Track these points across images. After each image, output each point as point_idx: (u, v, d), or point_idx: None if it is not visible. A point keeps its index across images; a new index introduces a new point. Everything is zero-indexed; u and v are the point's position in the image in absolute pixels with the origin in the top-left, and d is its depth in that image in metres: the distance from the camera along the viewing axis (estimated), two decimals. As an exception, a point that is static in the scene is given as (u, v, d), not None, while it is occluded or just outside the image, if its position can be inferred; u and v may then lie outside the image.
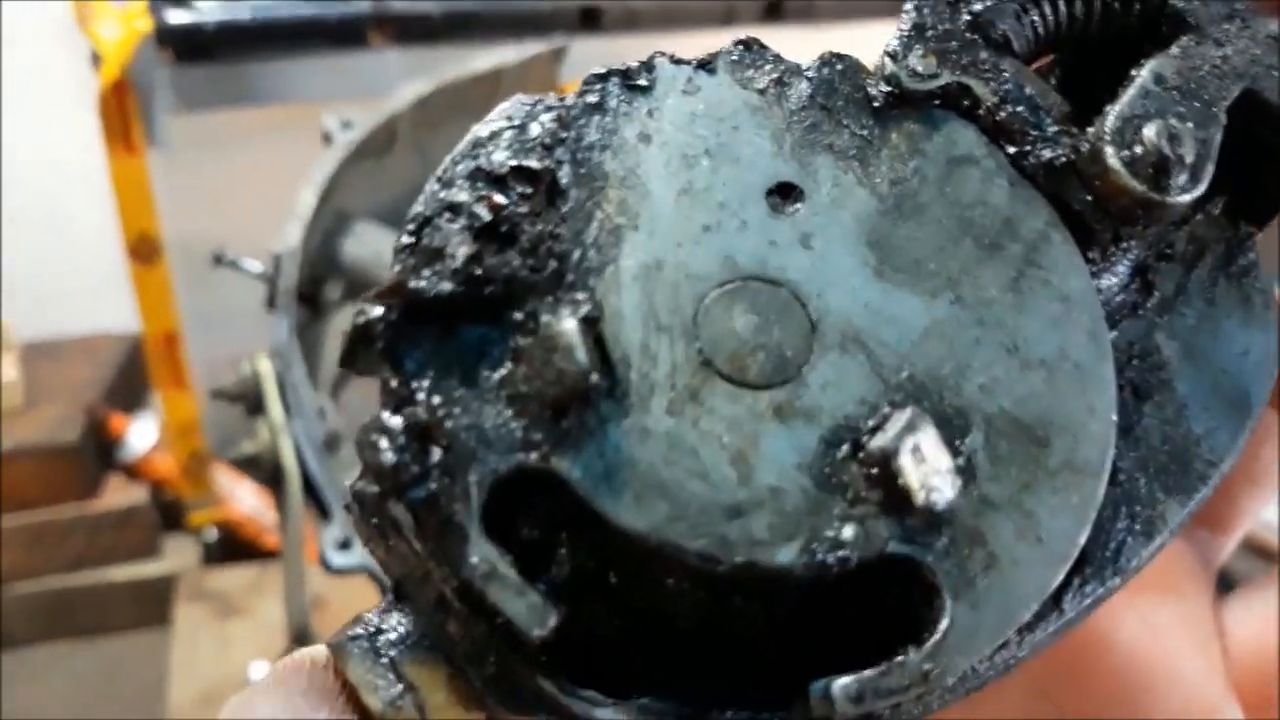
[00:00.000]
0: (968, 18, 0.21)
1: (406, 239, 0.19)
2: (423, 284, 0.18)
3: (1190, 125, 0.20)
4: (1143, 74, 0.20)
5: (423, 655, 0.19)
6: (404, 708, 0.18)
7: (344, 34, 1.67)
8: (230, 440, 1.25)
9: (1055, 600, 0.20)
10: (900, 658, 0.17)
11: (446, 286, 0.18)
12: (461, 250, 0.18)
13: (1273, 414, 0.28)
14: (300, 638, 0.97)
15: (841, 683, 0.17)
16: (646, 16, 1.76)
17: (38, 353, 2.15)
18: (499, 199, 0.19)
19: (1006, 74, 0.21)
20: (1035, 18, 0.21)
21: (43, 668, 2.02)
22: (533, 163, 0.19)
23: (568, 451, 0.18)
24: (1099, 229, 0.20)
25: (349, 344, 0.19)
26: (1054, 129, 0.20)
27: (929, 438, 0.18)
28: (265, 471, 0.95)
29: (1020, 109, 0.21)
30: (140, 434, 2.08)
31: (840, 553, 0.18)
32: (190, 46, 1.65)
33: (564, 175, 0.19)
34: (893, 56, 0.21)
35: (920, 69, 0.21)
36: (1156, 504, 0.21)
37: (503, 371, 0.18)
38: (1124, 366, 0.22)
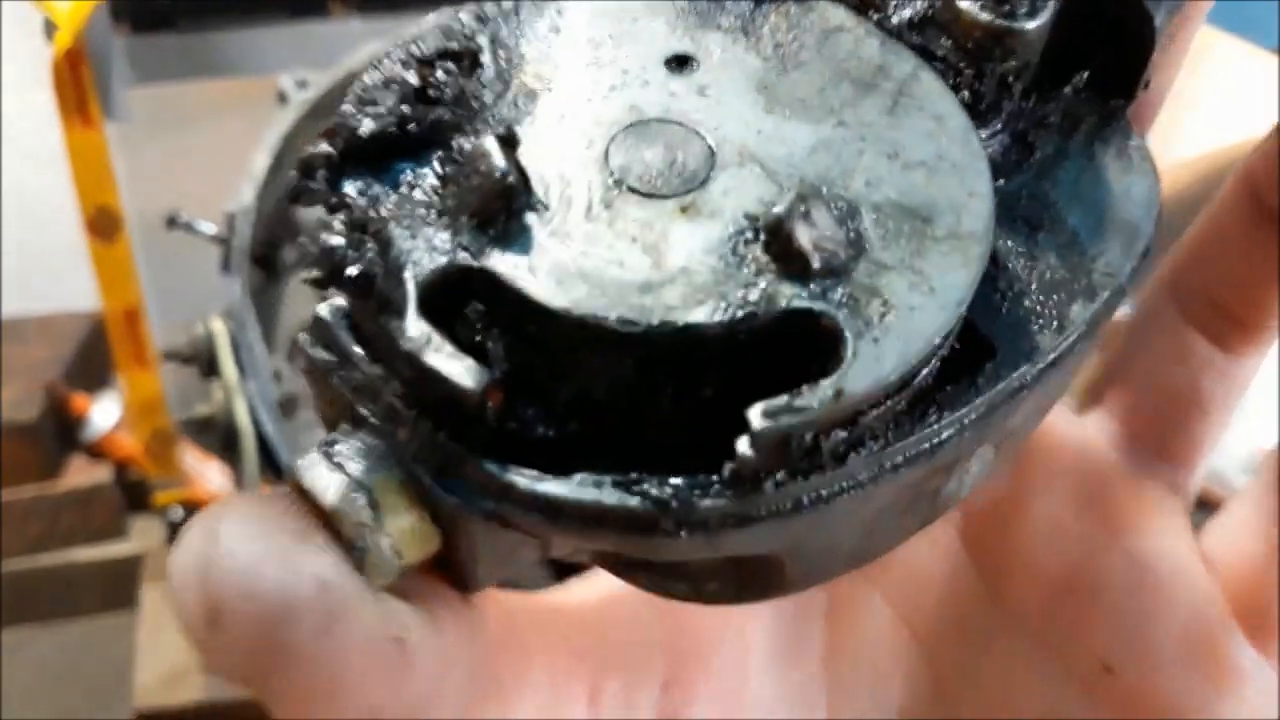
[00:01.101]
0: None
1: (346, 104, 0.21)
2: (357, 123, 0.21)
3: None
4: None
5: (374, 464, 0.20)
6: (358, 506, 0.20)
7: (304, 3, 1.65)
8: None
9: (973, 378, 0.22)
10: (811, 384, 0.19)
11: (378, 125, 0.21)
12: (391, 100, 0.21)
13: (1198, 338, 0.30)
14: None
15: (757, 407, 0.19)
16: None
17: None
18: (425, 71, 0.22)
19: None
20: None
21: (6, 652, 1.99)
22: (454, 45, 0.22)
23: (494, 251, 0.20)
24: (963, 68, 0.23)
25: (296, 178, 0.21)
26: None
27: (819, 209, 0.20)
28: (220, 434, 0.93)
29: None
30: (102, 413, 2.05)
31: (747, 309, 0.20)
32: (147, 16, 1.63)
33: (484, 54, 0.23)
34: None
35: None
36: (1062, 306, 0.23)
37: (431, 189, 0.21)
38: (1014, 207, 0.24)
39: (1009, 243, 0.24)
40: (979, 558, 0.31)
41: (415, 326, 0.19)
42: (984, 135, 0.24)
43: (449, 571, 0.21)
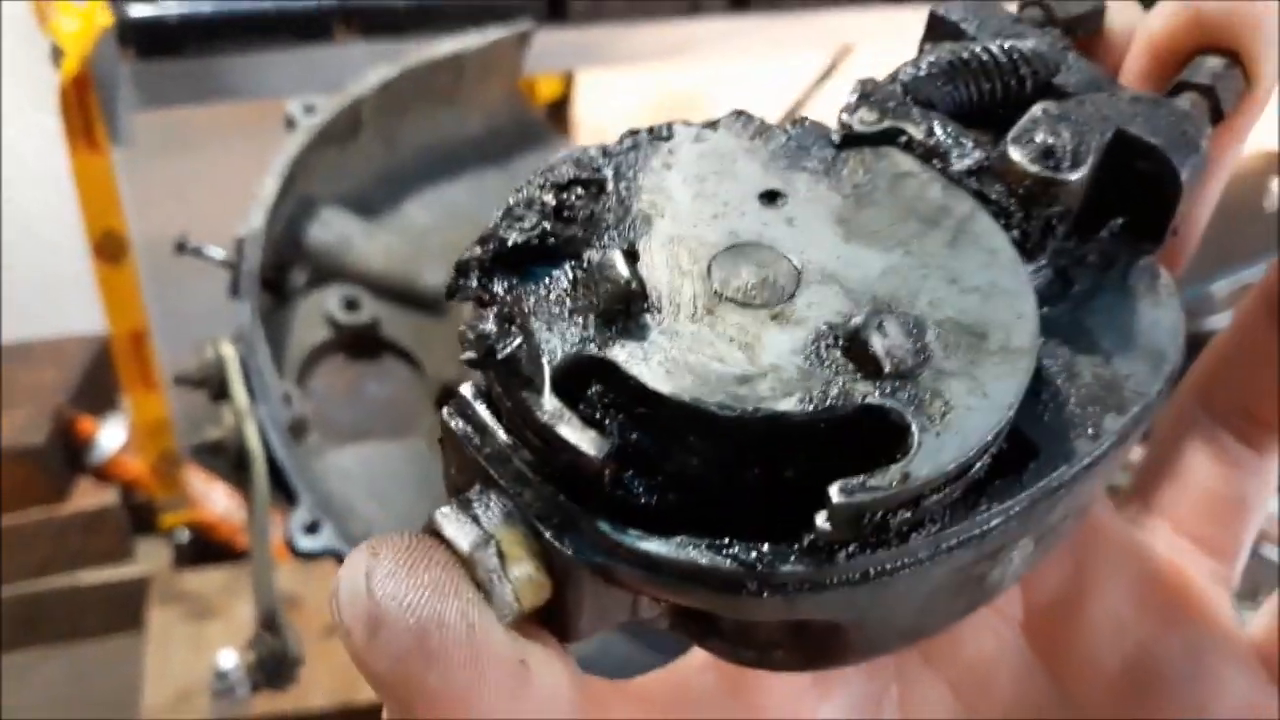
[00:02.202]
0: (899, 86, 0.29)
1: (496, 216, 0.25)
2: (506, 234, 0.25)
3: (1068, 134, 0.27)
4: (1034, 108, 0.28)
5: (502, 520, 0.23)
6: (488, 554, 0.23)
7: (309, 27, 1.66)
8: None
9: (1018, 475, 0.25)
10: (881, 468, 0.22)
11: (522, 237, 0.25)
12: (533, 218, 0.25)
13: (1232, 441, 0.33)
14: (269, 624, 0.96)
15: (836, 484, 0.22)
16: (613, 8, 1.76)
17: (3, 356, 2.12)
18: (561, 194, 0.26)
19: (933, 119, 0.28)
20: (956, 89, 0.29)
21: (14, 675, 1.99)
22: (584, 174, 0.26)
23: (615, 344, 0.23)
24: (1013, 211, 0.27)
25: (453, 276, 0.25)
26: (971, 148, 0.28)
27: (891, 321, 0.24)
28: (230, 457, 0.93)
29: (944, 138, 0.28)
30: (109, 435, 2.05)
31: (828, 402, 0.23)
32: (153, 41, 1.63)
33: (609, 182, 0.27)
34: (845, 112, 0.29)
35: (867, 118, 0.28)
36: (1097, 417, 0.26)
37: (564, 291, 0.24)
38: (1055, 331, 0.27)
39: (1051, 361, 0.27)
40: (1043, 652, 0.33)
41: (550, 402, 0.23)
42: (1030, 269, 0.27)
43: (553, 622, 0.24)
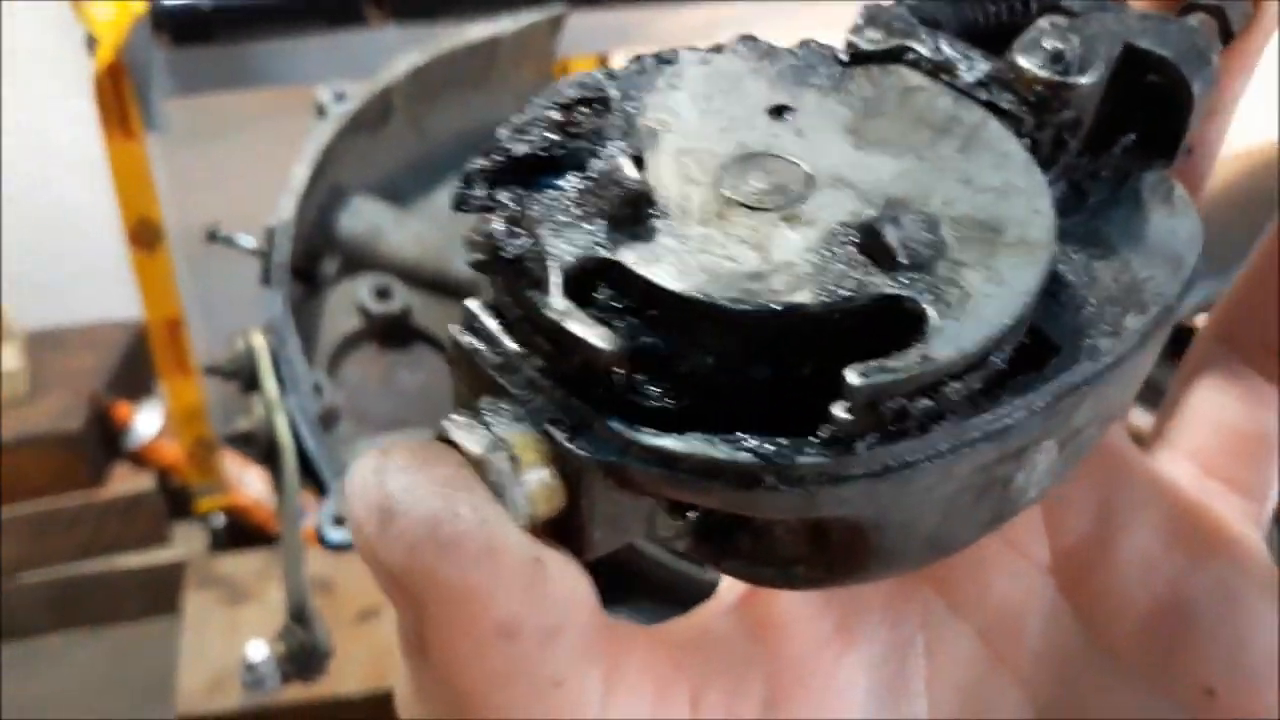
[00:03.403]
0: (905, 8, 0.29)
1: (501, 131, 0.25)
2: (512, 145, 0.25)
3: (1076, 40, 0.27)
4: (1040, 20, 0.27)
5: (514, 425, 0.23)
6: (500, 457, 0.22)
7: (342, 12, 1.65)
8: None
9: (1040, 371, 0.24)
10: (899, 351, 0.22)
11: (527, 148, 0.25)
12: (539, 128, 0.25)
13: (1256, 378, 0.32)
14: (299, 615, 0.95)
15: (853, 367, 0.21)
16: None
17: (41, 342, 2.14)
18: (567, 111, 0.25)
19: (940, 37, 0.28)
20: (961, 9, 0.29)
21: (51, 658, 2.01)
22: (589, 94, 0.26)
23: (623, 247, 0.23)
24: (1025, 118, 0.27)
25: (460, 187, 0.24)
26: (980, 61, 0.27)
27: (906, 216, 0.23)
28: (261, 448, 0.93)
29: (952, 54, 0.28)
30: (145, 421, 2.07)
31: (844, 292, 0.22)
32: (187, 28, 1.63)
33: (614, 100, 0.26)
34: (853, 33, 0.28)
35: (873, 37, 0.28)
36: (1117, 317, 0.26)
37: (571, 200, 0.24)
38: (1072, 237, 0.27)
39: (1068, 267, 0.26)
40: (1072, 594, 0.32)
41: (559, 300, 0.23)
42: (1046, 181, 0.26)
43: (567, 536, 0.24)
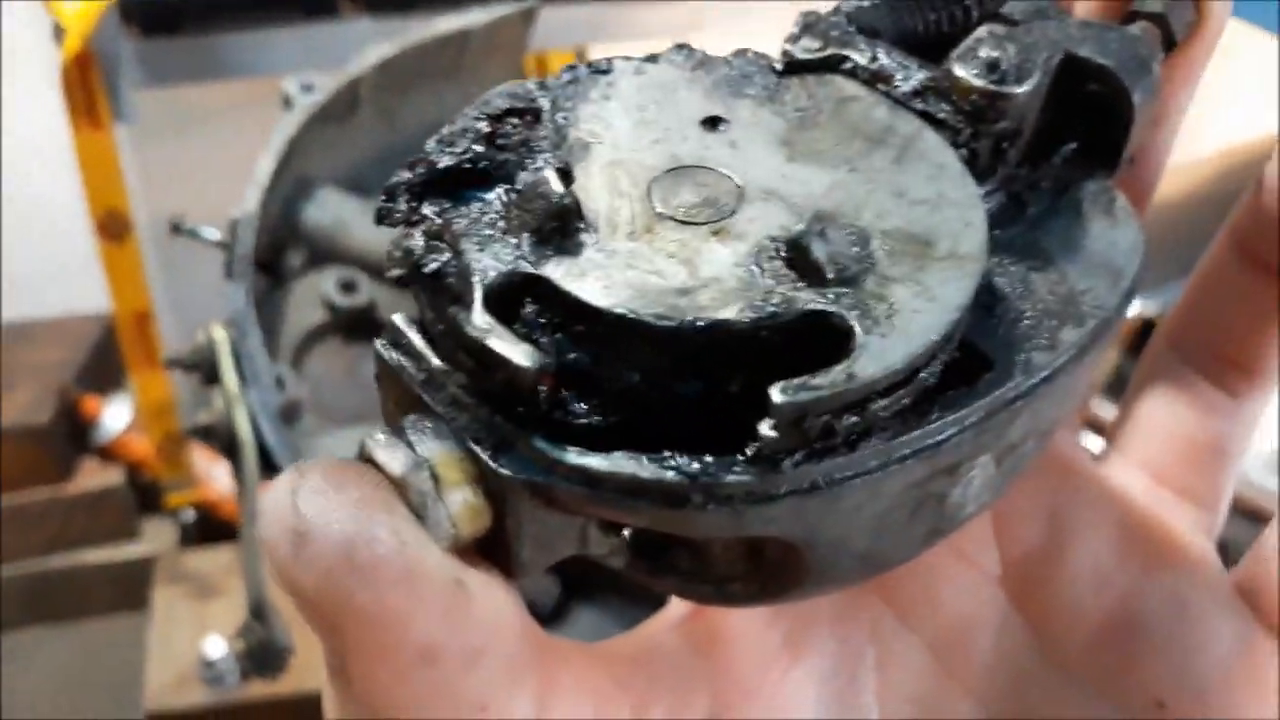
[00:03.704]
0: (843, 16, 0.28)
1: (428, 144, 0.25)
2: (437, 158, 0.24)
3: (1014, 49, 0.26)
4: (979, 29, 0.27)
5: (437, 444, 0.23)
6: (422, 477, 0.22)
7: (314, 4, 1.64)
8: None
9: (972, 385, 0.24)
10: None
11: (454, 160, 0.24)
12: (466, 140, 0.25)
13: (1206, 386, 0.32)
14: (258, 611, 0.94)
15: (777, 385, 0.21)
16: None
17: (10, 335, 2.12)
18: (495, 123, 0.25)
19: (877, 46, 0.28)
20: (900, 18, 0.29)
21: (18, 654, 1.99)
22: (520, 104, 0.26)
23: (549, 263, 0.23)
24: (961, 128, 0.26)
25: (382, 200, 0.24)
26: (916, 70, 0.27)
27: (833, 229, 0.23)
28: (222, 441, 0.92)
29: (889, 63, 0.27)
30: (114, 415, 2.05)
31: (770, 308, 0.22)
32: (156, 18, 1.62)
33: (545, 111, 0.26)
34: (789, 41, 0.28)
35: (810, 46, 0.28)
36: (1054, 331, 0.25)
37: (497, 214, 0.24)
38: (1009, 250, 0.27)
39: (1005, 279, 0.26)
40: (1023, 605, 0.32)
41: (481, 317, 0.22)
42: (981, 191, 0.26)
43: (496, 556, 0.23)
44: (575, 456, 0.22)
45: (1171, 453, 0.32)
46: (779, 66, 0.28)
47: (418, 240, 0.23)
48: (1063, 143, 0.28)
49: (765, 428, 0.21)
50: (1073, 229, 0.27)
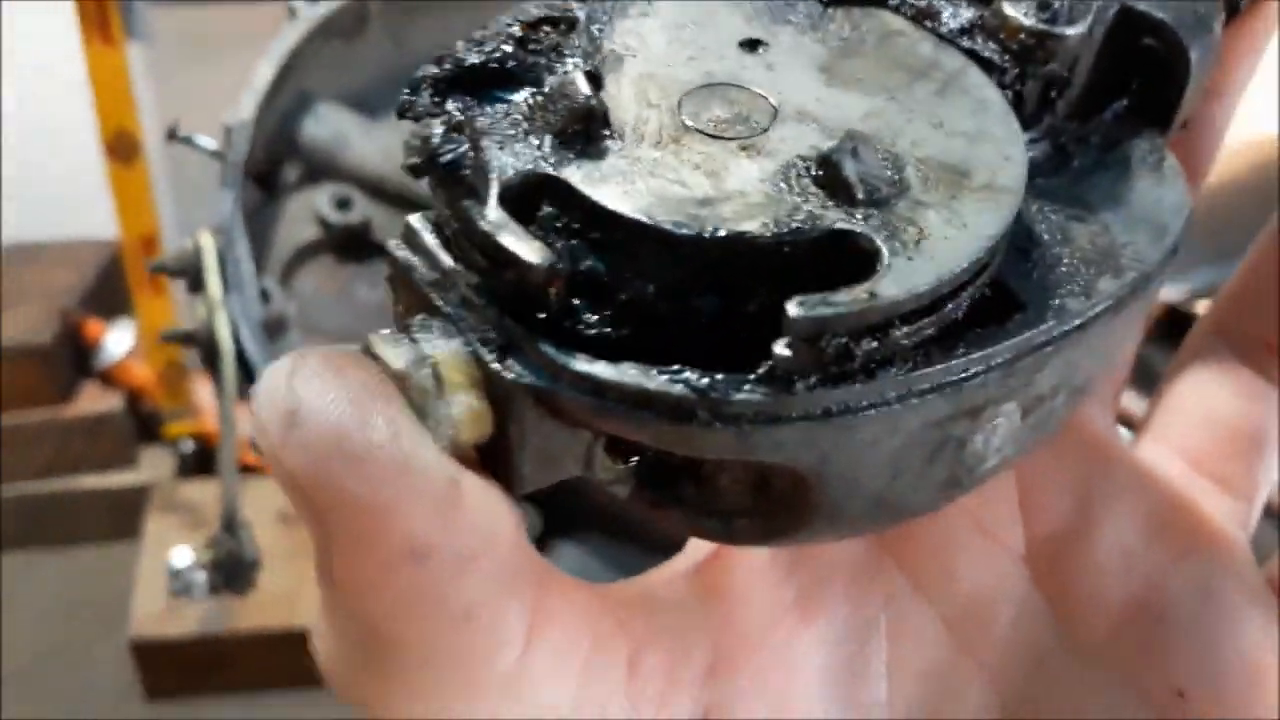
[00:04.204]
0: None
1: (458, 43, 0.24)
2: (465, 55, 0.24)
3: None
4: None
5: (444, 343, 0.22)
6: (424, 374, 0.21)
7: (333, -72, 1.60)
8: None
9: (1001, 325, 0.23)
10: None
11: (480, 58, 0.23)
12: (496, 41, 0.24)
13: (1252, 376, 0.31)
14: (229, 522, 0.93)
15: (795, 299, 0.20)
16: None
17: (15, 256, 2.10)
18: (528, 29, 0.24)
19: None
20: None
21: (8, 577, 1.99)
22: (555, 13, 0.25)
23: (570, 165, 0.22)
24: (1007, 68, 0.26)
25: (407, 93, 0.23)
26: (965, 8, 0.27)
27: (867, 150, 0.22)
28: (202, 349, 0.90)
29: (936, 1, 0.27)
30: (116, 340, 2.04)
31: (795, 224, 0.21)
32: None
33: (580, 21, 0.25)
34: None
35: None
36: (1090, 279, 0.24)
37: (522, 115, 0.23)
38: (1051, 197, 0.26)
39: (1044, 225, 0.25)
40: (1045, 585, 0.32)
41: (494, 212, 0.21)
42: (1026, 137, 0.25)
43: (496, 467, 0.23)
44: (582, 363, 0.21)
45: (1209, 439, 0.32)
46: None
47: (437, 129, 0.23)
48: (1115, 99, 0.28)
49: (780, 346, 0.20)
50: (1118, 184, 0.27)
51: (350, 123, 1.12)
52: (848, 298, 0.20)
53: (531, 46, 0.24)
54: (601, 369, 0.21)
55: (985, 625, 0.31)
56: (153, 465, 2.05)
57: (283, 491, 0.21)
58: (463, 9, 1.26)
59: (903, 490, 0.24)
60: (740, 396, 0.21)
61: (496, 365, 0.22)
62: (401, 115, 0.24)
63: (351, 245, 1.07)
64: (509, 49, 0.24)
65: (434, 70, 0.24)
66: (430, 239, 0.23)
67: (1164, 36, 0.27)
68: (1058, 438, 0.27)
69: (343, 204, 1.07)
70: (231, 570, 0.93)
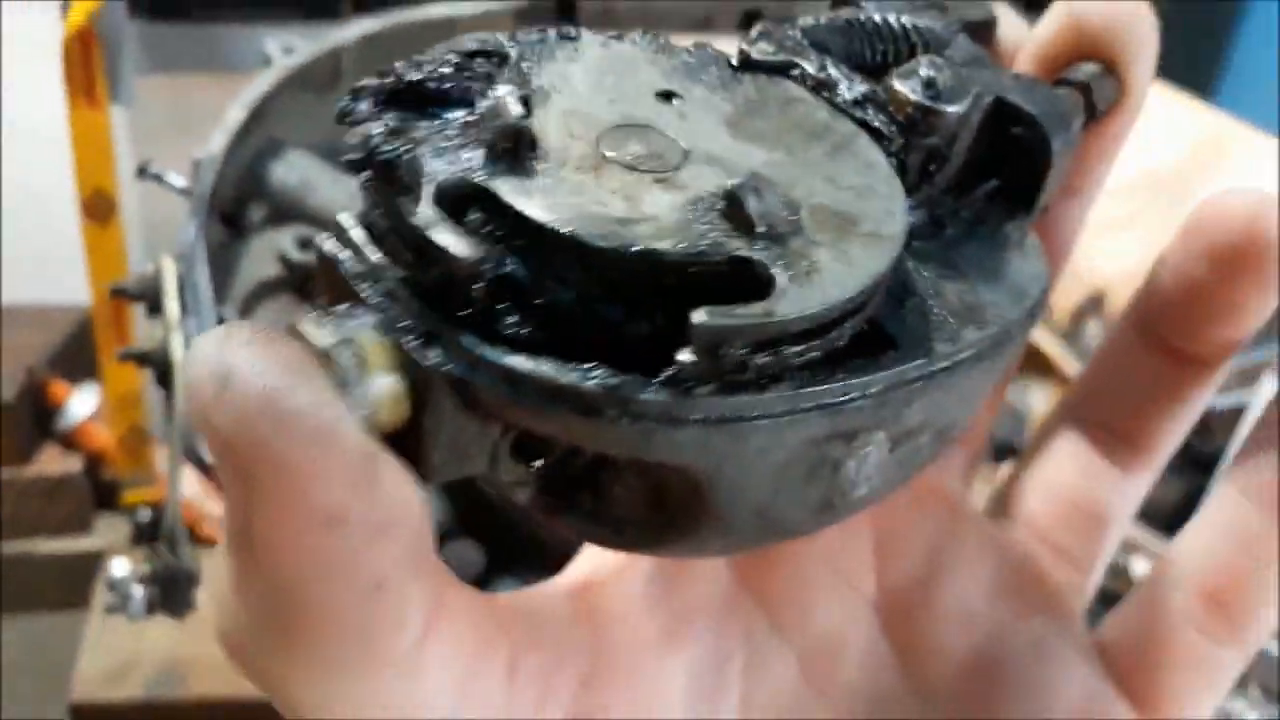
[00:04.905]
0: (799, 31, 0.31)
1: (397, 63, 0.26)
2: (404, 72, 0.25)
3: (950, 74, 0.29)
4: (920, 57, 0.30)
5: (367, 328, 0.23)
6: (346, 355, 0.22)
7: (316, 4, 1.66)
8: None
9: (875, 360, 0.25)
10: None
11: (419, 75, 0.25)
12: (435, 65, 0.26)
13: (1098, 458, 0.33)
14: (170, 540, 0.92)
15: (700, 310, 0.22)
16: (625, 16, 1.76)
17: (-12, 317, 2.11)
18: (465, 59, 0.26)
19: (826, 59, 0.30)
20: (850, 43, 0.31)
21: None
22: (490, 47, 0.27)
23: (500, 178, 0.24)
24: (894, 138, 0.29)
25: (347, 99, 0.25)
26: (859, 83, 0.29)
27: (768, 190, 0.25)
28: (155, 367, 0.91)
29: (834, 74, 0.30)
30: (80, 402, 2.03)
31: (701, 247, 0.23)
32: (163, 3, 1.64)
33: (511, 57, 0.27)
34: (746, 43, 0.30)
35: (765, 49, 0.30)
36: (957, 328, 0.27)
37: (456, 130, 0.25)
38: (923, 259, 0.29)
39: (918, 279, 0.28)
40: (893, 632, 0.34)
41: (428, 210, 0.23)
42: (906, 204, 0.28)
43: (408, 454, 0.23)
44: (500, 355, 0.23)
45: (1052, 513, 0.34)
46: (735, 63, 0.30)
47: (377, 130, 0.24)
48: (986, 180, 0.30)
49: (684, 353, 0.22)
50: (985, 253, 0.30)
51: (318, 170, 1.15)
52: (747, 312, 0.22)
53: (466, 73, 0.26)
54: (519, 361, 0.23)
55: (835, 665, 0.33)
56: (108, 532, 2.04)
57: (208, 448, 0.22)
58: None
59: (783, 506, 0.26)
60: (645, 396, 0.23)
61: (418, 352, 0.23)
62: (340, 119, 0.25)
63: (312, 284, 1.09)
64: (446, 71, 0.26)
65: (375, 82, 0.25)
66: (358, 234, 0.24)
67: (1030, 126, 0.30)
68: (917, 486, 0.30)
69: (306, 244, 1.09)
70: (169, 585, 0.93)
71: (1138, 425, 0.33)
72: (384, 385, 0.23)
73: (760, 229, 0.24)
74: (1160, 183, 1.51)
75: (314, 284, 0.26)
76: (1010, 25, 0.33)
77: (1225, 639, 0.31)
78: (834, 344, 0.24)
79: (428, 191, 0.23)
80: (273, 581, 0.22)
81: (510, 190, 0.24)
